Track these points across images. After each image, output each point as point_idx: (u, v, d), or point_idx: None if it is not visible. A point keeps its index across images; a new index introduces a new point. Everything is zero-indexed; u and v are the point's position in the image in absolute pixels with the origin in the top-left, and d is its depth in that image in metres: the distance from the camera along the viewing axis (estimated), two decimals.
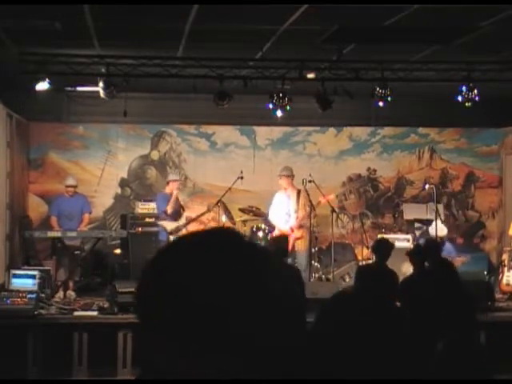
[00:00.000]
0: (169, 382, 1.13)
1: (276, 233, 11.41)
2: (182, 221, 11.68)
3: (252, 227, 11.99)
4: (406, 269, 10.77)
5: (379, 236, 11.65)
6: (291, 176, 11.66)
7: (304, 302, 6.95)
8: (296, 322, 1.12)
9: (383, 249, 8.51)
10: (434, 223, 11.76)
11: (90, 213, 12.18)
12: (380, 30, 8.85)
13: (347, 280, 11.39)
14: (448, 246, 11.70)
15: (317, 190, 11.95)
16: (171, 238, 11.35)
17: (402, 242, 11.52)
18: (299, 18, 8.27)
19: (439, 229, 11.55)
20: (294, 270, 8.17)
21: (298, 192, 11.59)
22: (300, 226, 11.48)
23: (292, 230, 11.36)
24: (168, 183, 12.18)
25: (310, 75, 10.91)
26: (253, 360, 1.06)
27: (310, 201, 11.52)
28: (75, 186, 12.01)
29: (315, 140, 14.23)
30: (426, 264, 8.03)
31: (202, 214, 12.46)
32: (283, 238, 8.83)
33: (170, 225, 11.69)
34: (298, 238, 11.39)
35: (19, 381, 9.02)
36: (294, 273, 7.78)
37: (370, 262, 10.71)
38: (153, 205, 12.71)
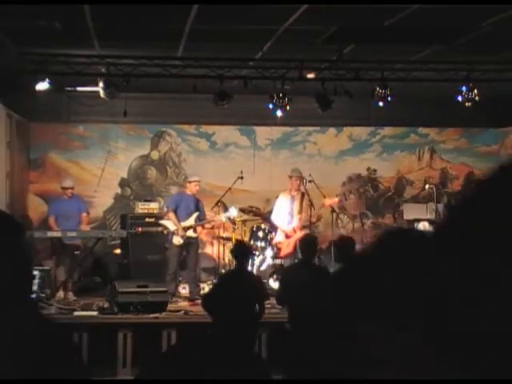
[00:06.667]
0: (169, 382, 1.13)
1: (280, 234, 11.39)
2: (190, 221, 11.34)
3: (252, 227, 11.97)
4: None
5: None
6: (301, 177, 11.52)
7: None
8: None
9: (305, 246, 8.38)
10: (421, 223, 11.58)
11: (88, 212, 12.14)
12: (380, 30, 8.86)
13: None
14: None
15: (317, 189, 11.93)
16: (175, 238, 11.20)
17: None
18: (299, 18, 8.28)
19: (426, 228, 11.35)
20: (324, 270, 8.27)
21: (303, 194, 11.49)
22: (303, 227, 11.41)
23: (295, 231, 11.31)
24: (187, 183, 11.66)
25: (310, 75, 10.92)
26: None
27: (311, 201, 11.48)
28: (72, 188, 11.96)
29: (315, 140, 14.23)
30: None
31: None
32: (312, 238, 8.82)
33: (173, 225, 11.35)
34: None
35: (19, 381, 9.00)
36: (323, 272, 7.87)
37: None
38: (153, 205, 12.68)
